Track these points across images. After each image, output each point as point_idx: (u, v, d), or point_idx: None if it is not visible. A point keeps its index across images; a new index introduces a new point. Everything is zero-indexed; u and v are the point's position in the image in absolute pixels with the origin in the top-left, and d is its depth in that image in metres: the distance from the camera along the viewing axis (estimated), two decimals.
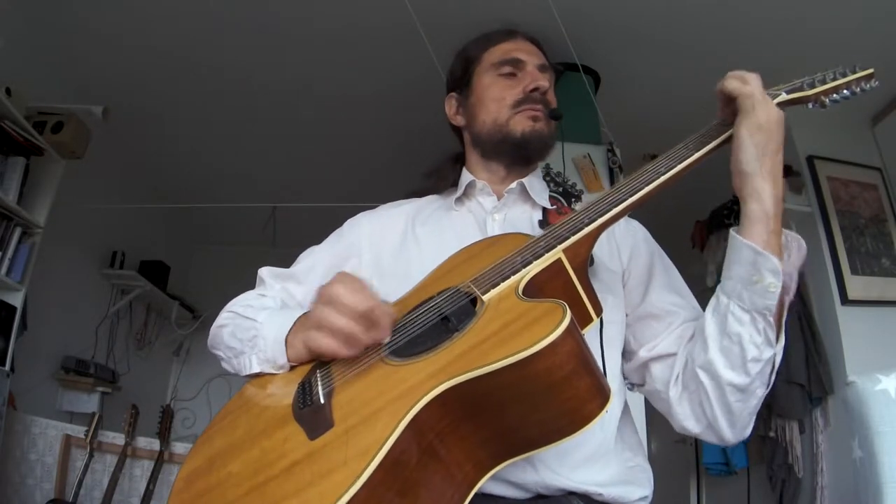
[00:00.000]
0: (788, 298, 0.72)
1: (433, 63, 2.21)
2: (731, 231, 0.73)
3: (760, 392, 0.74)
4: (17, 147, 2.34)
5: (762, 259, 0.69)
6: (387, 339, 0.67)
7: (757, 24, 2.39)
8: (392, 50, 2.66)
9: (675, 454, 3.75)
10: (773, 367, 0.73)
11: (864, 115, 2.91)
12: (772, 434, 2.55)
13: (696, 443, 3.57)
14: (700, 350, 0.75)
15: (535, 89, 0.95)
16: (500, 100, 0.97)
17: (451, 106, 1.06)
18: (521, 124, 0.95)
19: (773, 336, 0.71)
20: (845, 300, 2.51)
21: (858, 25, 2.32)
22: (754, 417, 0.76)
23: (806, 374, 2.44)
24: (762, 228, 0.70)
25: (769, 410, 2.54)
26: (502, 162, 0.99)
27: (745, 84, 0.73)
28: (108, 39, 2.65)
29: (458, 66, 1.06)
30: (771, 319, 0.70)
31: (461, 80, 1.05)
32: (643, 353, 0.85)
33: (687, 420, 0.78)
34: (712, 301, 0.75)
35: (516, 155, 0.97)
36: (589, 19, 2.43)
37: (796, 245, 0.73)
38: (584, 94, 2.60)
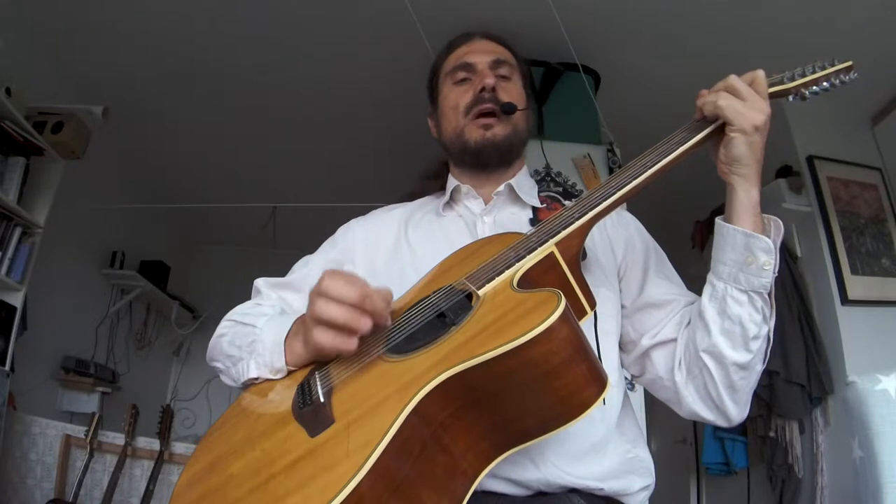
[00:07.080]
0: (774, 275, 0.75)
1: (433, 62, 2.21)
2: (718, 220, 0.77)
3: (759, 368, 0.78)
4: (17, 147, 2.34)
5: (754, 241, 0.73)
6: (389, 324, 0.67)
7: (757, 24, 2.39)
8: (392, 49, 2.66)
9: (675, 454, 3.74)
10: (768, 342, 0.77)
11: (864, 115, 2.90)
12: (772, 434, 2.55)
13: (696, 443, 3.56)
14: (702, 335, 0.77)
15: (482, 89, 0.95)
16: (455, 108, 0.98)
17: (431, 122, 1.08)
18: (473, 133, 0.95)
19: (768, 312, 0.76)
20: (845, 300, 2.50)
21: (858, 26, 2.32)
22: (751, 397, 0.80)
23: (806, 374, 2.43)
24: (750, 214, 0.74)
25: (769, 410, 2.54)
26: (475, 170, 0.99)
27: (733, 101, 0.72)
28: (108, 39, 2.65)
29: (429, 79, 1.09)
30: (766, 297, 0.74)
31: (431, 94, 1.07)
32: (645, 342, 0.86)
33: (695, 403, 0.80)
34: (706, 289, 0.78)
35: (477, 164, 0.97)
36: (589, 19, 2.43)
37: (774, 225, 0.76)
38: (584, 94, 2.60)
